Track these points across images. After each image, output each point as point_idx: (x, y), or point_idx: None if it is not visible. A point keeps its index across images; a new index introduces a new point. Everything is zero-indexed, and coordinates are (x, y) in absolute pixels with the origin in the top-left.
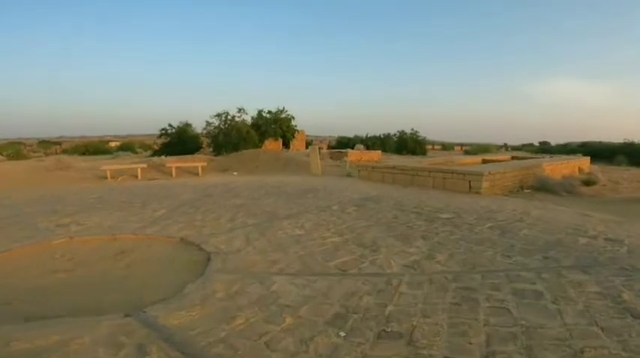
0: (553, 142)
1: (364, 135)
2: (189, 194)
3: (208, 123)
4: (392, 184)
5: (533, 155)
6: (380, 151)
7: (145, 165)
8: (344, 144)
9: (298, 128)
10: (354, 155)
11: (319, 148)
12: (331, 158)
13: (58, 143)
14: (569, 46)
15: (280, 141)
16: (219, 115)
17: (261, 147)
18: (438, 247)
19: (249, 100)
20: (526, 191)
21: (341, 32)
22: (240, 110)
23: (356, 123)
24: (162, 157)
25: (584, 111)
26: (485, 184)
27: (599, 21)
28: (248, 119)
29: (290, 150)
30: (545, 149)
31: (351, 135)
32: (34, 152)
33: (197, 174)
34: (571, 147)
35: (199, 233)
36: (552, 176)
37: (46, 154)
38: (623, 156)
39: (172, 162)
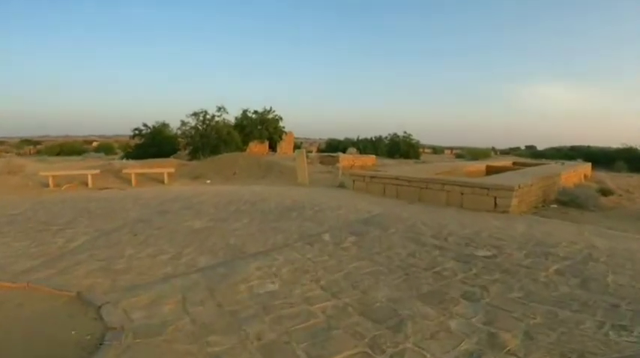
0: (539, 146)
1: (355, 138)
2: (137, 210)
3: (183, 123)
4: (395, 199)
5: (537, 161)
6: (374, 156)
7: (97, 171)
8: (334, 147)
9: (286, 129)
10: (346, 160)
11: (307, 152)
12: (321, 163)
13: (39, 142)
14: (552, 51)
15: (267, 143)
16: (196, 114)
17: (245, 149)
18: (497, 317)
19: (235, 100)
20: (552, 206)
21: (331, 31)
22: (220, 109)
23: (345, 126)
24: (124, 161)
25: (567, 115)
26: (514, 201)
27: (581, 25)
28: (231, 119)
29: (277, 153)
30: (539, 154)
31: (341, 137)
32: (7, 152)
33: (163, 182)
34: (564, 152)
35: (113, 282)
36: (567, 185)
37: (19, 154)
38: (622, 162)
39: (133, 168)
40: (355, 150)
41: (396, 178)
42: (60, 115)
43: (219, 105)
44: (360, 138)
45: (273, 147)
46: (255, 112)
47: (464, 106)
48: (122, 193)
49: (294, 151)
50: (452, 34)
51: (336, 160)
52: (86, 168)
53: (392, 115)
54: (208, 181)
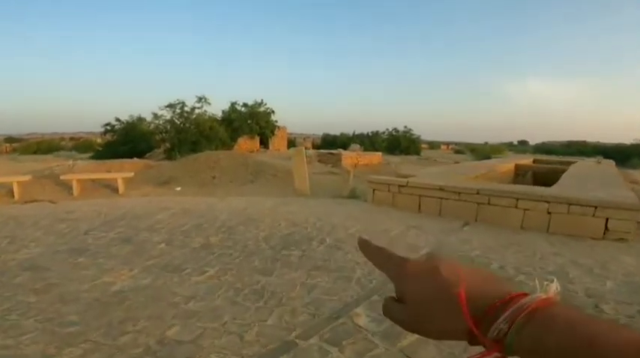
0: (531, 142)
1: (351, 133)
2: (40, 243)
3: (156, 116)
4: (438, 217)
5: (563, 158)
6: (380, 153)
7: (26, 178)
8: (330, 142)
9: (279, 124)
10: (349, 157)
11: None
12: (320, 161)
13: (18, 140)
14: (542, 48)
15: (257, 139)
16: (171, 106)
17: (232, 146)
18: None
19: (224, 93)
20: None
21: (326, 26)
22: (200, 99)
23: (338, 121)
24: (76, 163)
25: (559, 111)
26: (633, 225)
27: (569, 27)
28: (217, 112)
29: (269, 150)
30: (547, 149)
31: (336, 132)
32: None
33: (117, 191)
34: (576, 147)
35: None
36: None
37: None
38: (637, 159)
39: (79, 173)
40: (358, 146)
41: (441, 189)
42: (50, 112)
43: (200, 95)
44: (357, 133)
45: (264, 144)
46: (245, 105)
47: (457, 103)
48: (47, 209)
49: (288, 148)
50: (448, 32)
51: (338, 158)
52: (28, 172)
53: (386, 111)
54: (178, 188)
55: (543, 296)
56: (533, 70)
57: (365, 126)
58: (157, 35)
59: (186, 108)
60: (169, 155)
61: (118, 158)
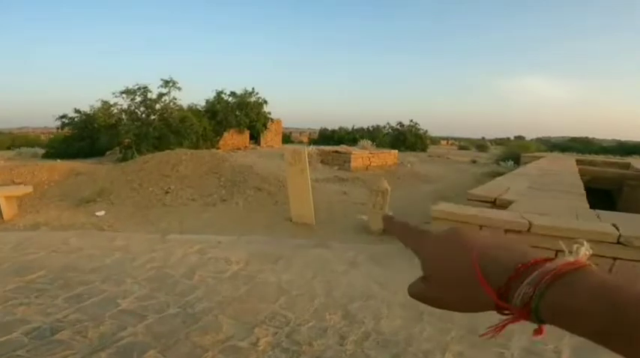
0: (527, 137)
1: (350, 127)
2: None
3: (106, 105)
4: None
5: (607, 158)
6: (396, 151)
7: None
8: (327, 137)
9: (273, 116)
10: (360, 157)
11: (298, 143)
12: (323, 162)
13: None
14: (541, 48)
15: (247, 133)
16: (129, 92)
17: (218, 141)
18: None
19: (208, 83)
20: None
21: (315, 15)
22: (167, 83)
23: (334, 115)
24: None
25: (553, 108)
26: None
27: (565, 28)
28: (199, 102)
29: (260, 146)
30: (564, 146)
31: (333, 126)
32: None
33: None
34: (607, 145)
35: None
36: None
37: None
38: None
39: None
40: (370, 142)
41: (618, 242)
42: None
43: (166, 78)
44: (356, 127)
45: (255, 139)
46: (233, 94)
47: (453, 98)
48: None
49: (283, 143)
50: (443, 28)
51: (346, 159)
52: None
53: (383, 106)
54: (101, 213)
55: (571, 259)
56: (528, 68)
57: (360, 121)
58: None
59: (150, 95)
60: (125, 155)
61: (72, 157)
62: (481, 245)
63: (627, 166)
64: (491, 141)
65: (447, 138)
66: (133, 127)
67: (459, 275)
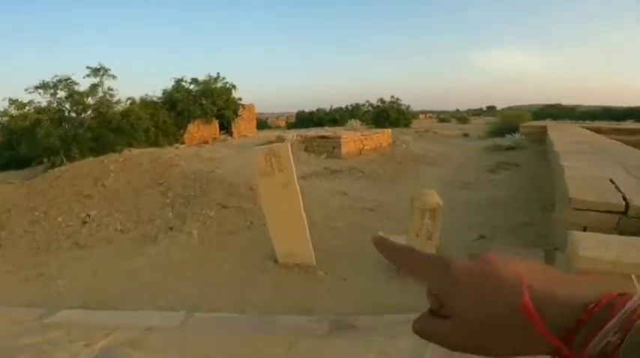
0: (498, 107)
1: (328, 108)
2: None
3: (14, 105)
4: None
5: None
6: (389, 130)
7: None
8: (306, 120)
9: (244, 102)
10: (351, 141)
11: (275, 127)
12: (307, 150)
13: None
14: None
15: (215, 123)
16: (46, 87)
17: (181, 135)
18: None
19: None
20: None
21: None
22: (97, 72)
23: (310, 97)
24: None
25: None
26: None
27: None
28: (151, 93)
29: (233, 136)
30: (550, 113)
31: (312, 108)
32: None
33: None
34: (586, 110)
35: None
36: None
37: None
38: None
39: None
40: (359, 122)
41: None
42: None
43: (96, 66)
44: (334, 107)
45: (226, 128)
46: (195, 81)
47: (426, 71)
48: None
49: (258, 128)
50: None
51: (336, 144)
52: None
53: (357, 84)
54: None
55: None
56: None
57: (337, 101)
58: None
59: (77, 88)
60: (54, 164)
61: (4, 169)
62: (528, 278)
63: (634, 132)
64: (466, 112)
65: (424, 112)
66: (56, 129)
67: (502, 317)
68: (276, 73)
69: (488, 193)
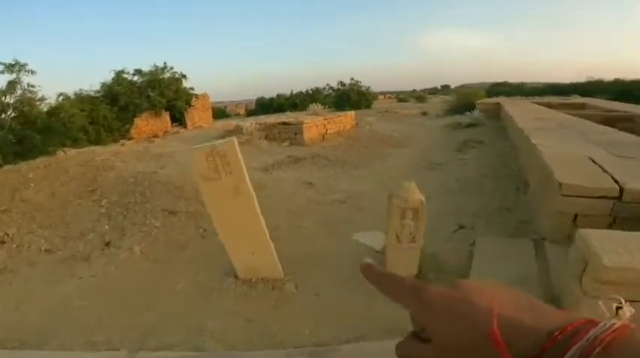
0: (452, 85)
1: (289, 93)
2: None
3: None
4: None
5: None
6: (353, 112)
7: None
8: (266, 106)
9: (199, 91)
10: (314, 126)
11: (235, 115)
12: (268, 138)
13: None
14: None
15: (166, 115)
16: None
17: (127, 131)
18: None
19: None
20: None
21: None
22: (12, 67)
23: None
24: None
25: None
26: None
27: None
28: (87, 88)
29: (187, 128)
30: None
31: (272, 94)
32: None
33: None
34: (532, 87)
35: None
36: None
37: None
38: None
39: None
40: (320, 106)
41: None
42: None
43: (10, 61)
44: (294, 92)
45: (179, 120)
46: (139, 73)
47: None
48: None
49: (214, 118)
50: None
51: (298, 130)
52: None
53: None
54: None
55: (618, 323)
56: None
57: (296, 86)
58: None
59: None
60: None
61: None
62: (499, 305)
63: (582, 106)
64: (422, 91)
65: (383, 93)
66: None
67: (474, 342)
68: (233, 61)
69: (460, 174)
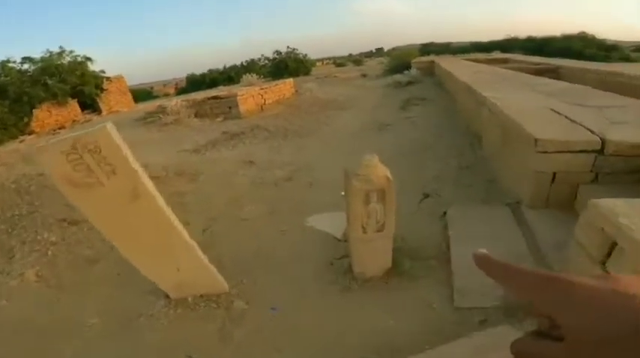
0: (385, 48)
1: (222, 67)
2: None
3: None
4: None
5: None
6: (292, 79)
7: None
8: (198, 83)
9: (109, 74)
10: (249, 97)
11: (163, 95)
12: (198, 115)
13: None
14: None
15: (74, 102)
16: None
17: (26, 125)
18: None
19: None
20: None
21: None
22: None
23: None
24: None
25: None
26: None
27: None
28: None
29: (102, 114)
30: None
31: (203, 70)
32: None
33: None
34: (461, 46)
35: None
36: None
37: None
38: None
39: None
40: (255, 76)
41: None
42: None
43: None
44: (228, 66)
45: (92, 106)
46: (30, 60)
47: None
48: None
49: (136, 102)
50: None
51: (232, 103)
52: None
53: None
54: None
55: None
56: None
57: (228, 61)
58: None
59: None
60: None
61: None
62: None
63: (506, 61)
64: (358, 55)
65: (320, 60)
66: None
67: (623, 338)
68: (159, 39)
69: (410, 134)
